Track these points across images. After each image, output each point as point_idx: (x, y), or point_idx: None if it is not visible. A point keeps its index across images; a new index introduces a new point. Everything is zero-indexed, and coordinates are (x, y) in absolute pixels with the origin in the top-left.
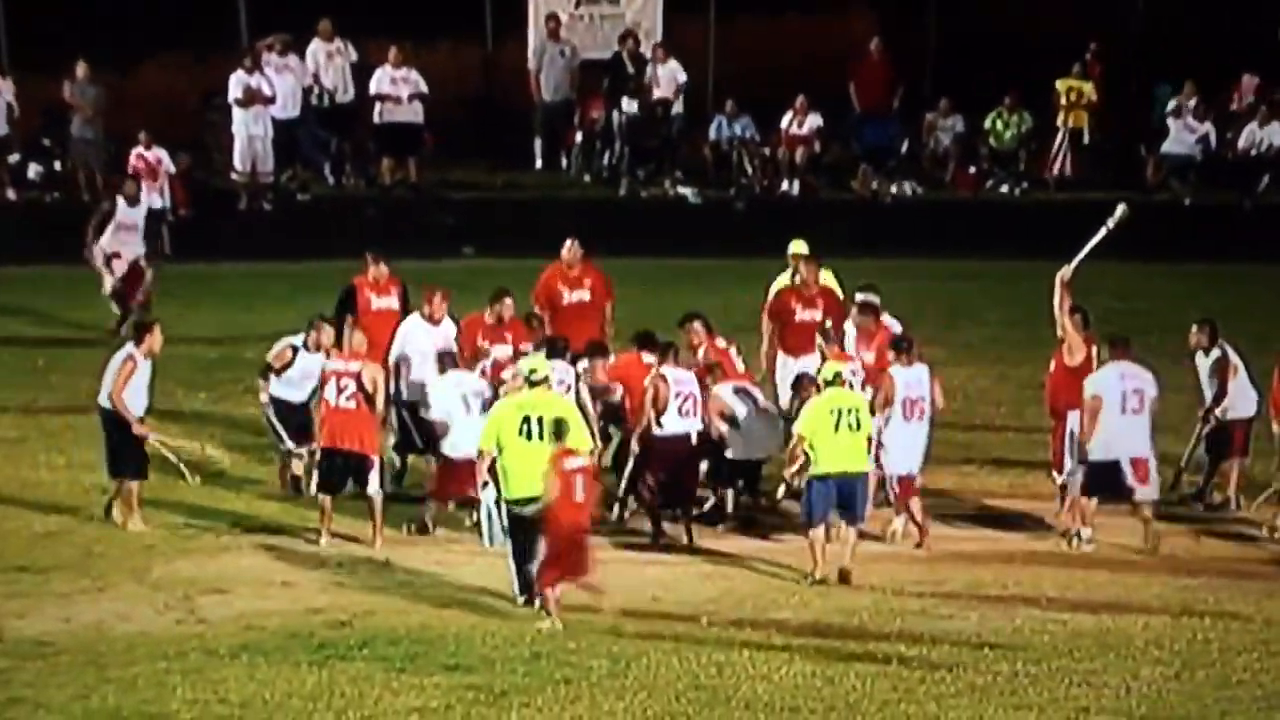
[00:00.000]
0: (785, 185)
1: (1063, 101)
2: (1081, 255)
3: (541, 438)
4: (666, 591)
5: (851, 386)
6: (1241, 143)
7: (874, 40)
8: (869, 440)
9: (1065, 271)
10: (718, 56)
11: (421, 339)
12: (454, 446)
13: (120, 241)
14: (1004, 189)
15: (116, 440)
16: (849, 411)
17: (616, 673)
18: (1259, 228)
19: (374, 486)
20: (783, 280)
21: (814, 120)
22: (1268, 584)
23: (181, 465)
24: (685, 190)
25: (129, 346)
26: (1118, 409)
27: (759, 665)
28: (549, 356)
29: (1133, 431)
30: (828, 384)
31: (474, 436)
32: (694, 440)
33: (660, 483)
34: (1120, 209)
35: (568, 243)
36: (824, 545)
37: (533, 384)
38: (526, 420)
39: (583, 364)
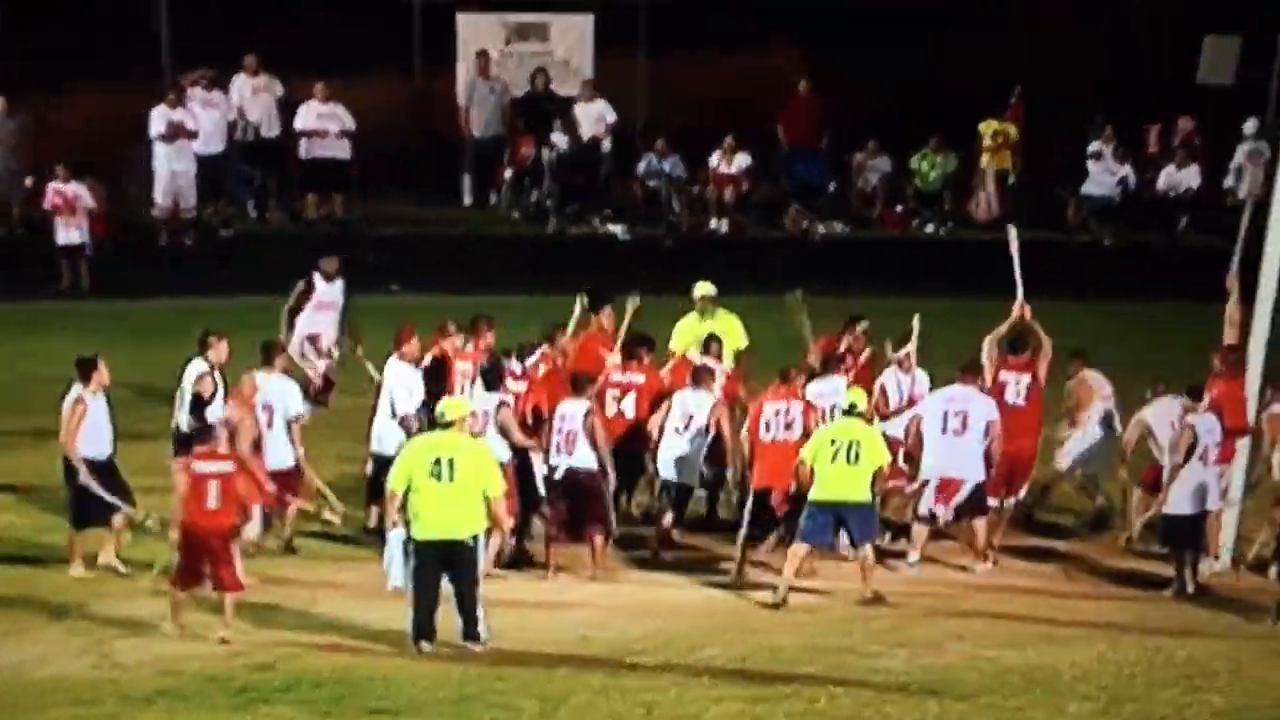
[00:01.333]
0: (714, 223)
1: (986, 143)
2: (1020, 287)
3: (451, 479)
4: (596, 631)
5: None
6: (1160, 184)
7: (802, 79)
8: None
9: (1025, 309)
10: (648, 94)
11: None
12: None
13: (318, 322)
14: (929, 228)
15: (76, 488)
16: (850, 444)
17: (546, 713)
18: (1178, 267)
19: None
20: (689, 321)
21: (743, 159)
22: (1190, 619)
23: (131, 512)
24: (614, 228)
25: (76, 387)
26: (938, 429)
27: (687, 705)
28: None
29: (950, 452)
30: (845, 414)
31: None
32: (591, 471)
33: (558, 515)
34: (1011, 231)
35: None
36: (800, 564)
37: (444, 425)
38: (437, 462)
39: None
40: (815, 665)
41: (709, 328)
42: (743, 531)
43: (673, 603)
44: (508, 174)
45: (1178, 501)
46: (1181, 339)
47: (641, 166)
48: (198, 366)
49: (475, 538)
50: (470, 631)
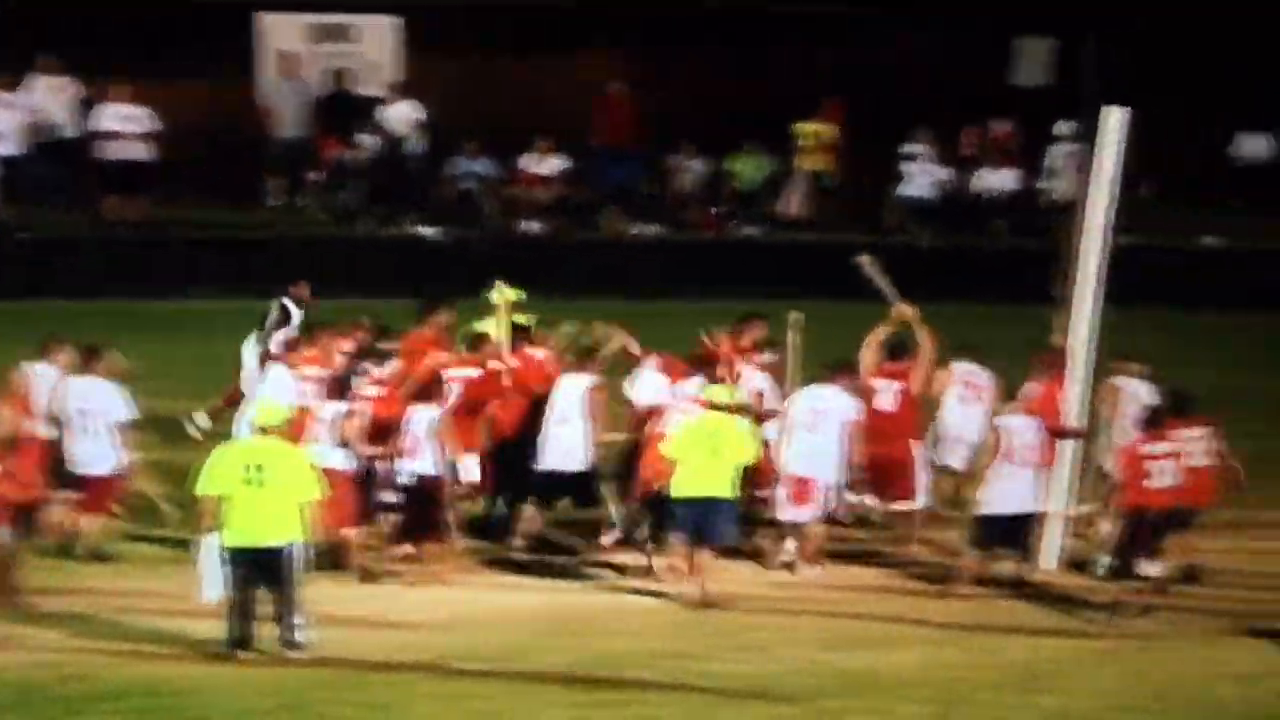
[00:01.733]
0: (526, 225)
1: (801, 144)
2: (892, 295)
3: (264, 485)
4: (421, 638)
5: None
6: (976, 186)
7: (614, 80)
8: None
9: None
10: (459, 94)
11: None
12: None
13: None
14: (748, 230)
15: None
16: (714, 440)
17: None
18: (996, 269)
19: None
20: (488, 325)
21: (556, 161)
22: (1019, 620)
23: None
24: (426, 229)
25: None
26: (797, 427)
27: (517, 712)
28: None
29: (807, 451)
30: (711, 409)
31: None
32: (434, 477)
33: (403, 520)
34: (864, 260)
35: None
36: (684, 557)
37: (262, 431)
38: (250, 468)
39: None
40: (647, 670)
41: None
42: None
43: (503, 609)
44: (315, 176)
45: (990, 503)
46: (1000, 340)
47: (453, 168)
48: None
49: (292, 545)
50: (289, 640)
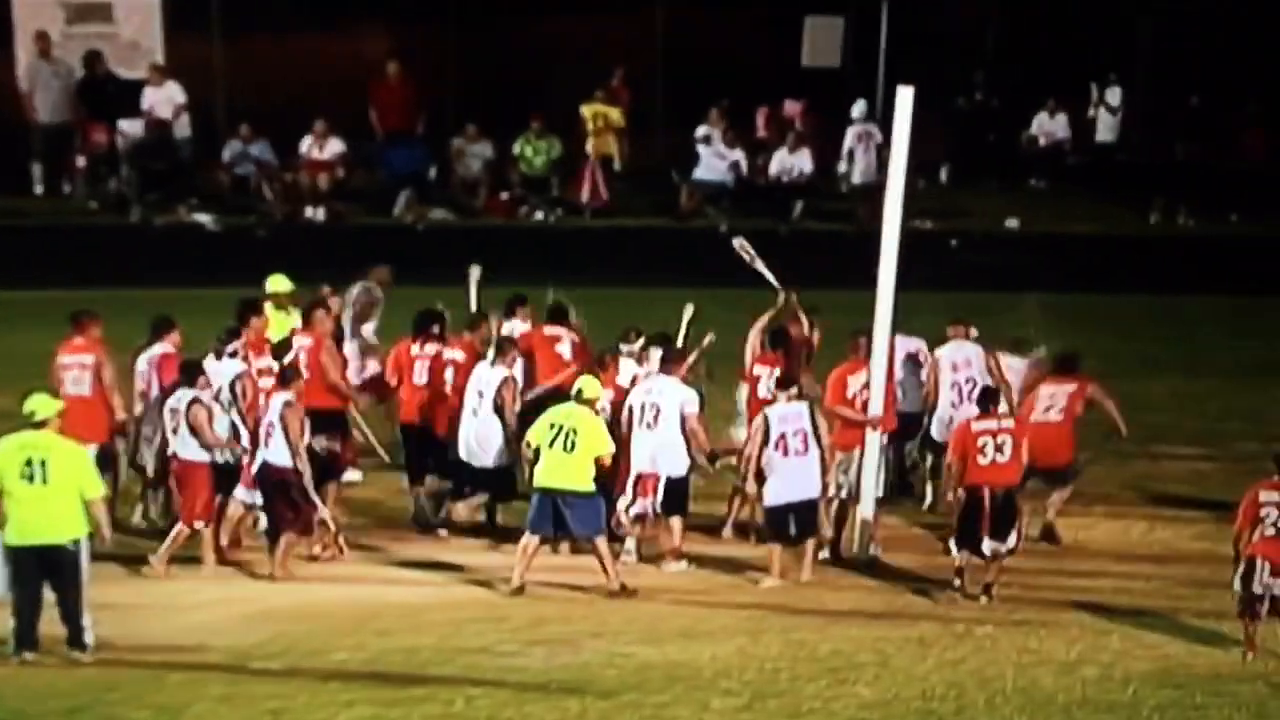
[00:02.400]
0: (310, 212)
1: (589, 127)
2: (773, 279)
3: (45, 481)
4: (215, 636)
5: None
6: (773, 169)
7: (391, 62)
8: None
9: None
10: (230, 77)
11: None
12: None
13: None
14: (538, 215)
15: None
16: (569, 431)
17: None
18: (794, 253)
19: None
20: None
21: (336, 145)
22: (833, 614)
23: None
24: (202, 217)
25: None
26: (637, 423)
27: (316, 711)
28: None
29: (643, 445)
30: (574, 400)
31: None
32: (282, 468)
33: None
34: (737, 242)
35: None
36: (526, 554)
37: (35, 425)
38: (29, 463)
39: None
40: (451, 666)
41: (290, 322)
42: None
43: (300, 604)
44: (81, 162)
45: (769, 495)
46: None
47: (227, 153)
48: None
49: (76, 541)
50: (75, 639)
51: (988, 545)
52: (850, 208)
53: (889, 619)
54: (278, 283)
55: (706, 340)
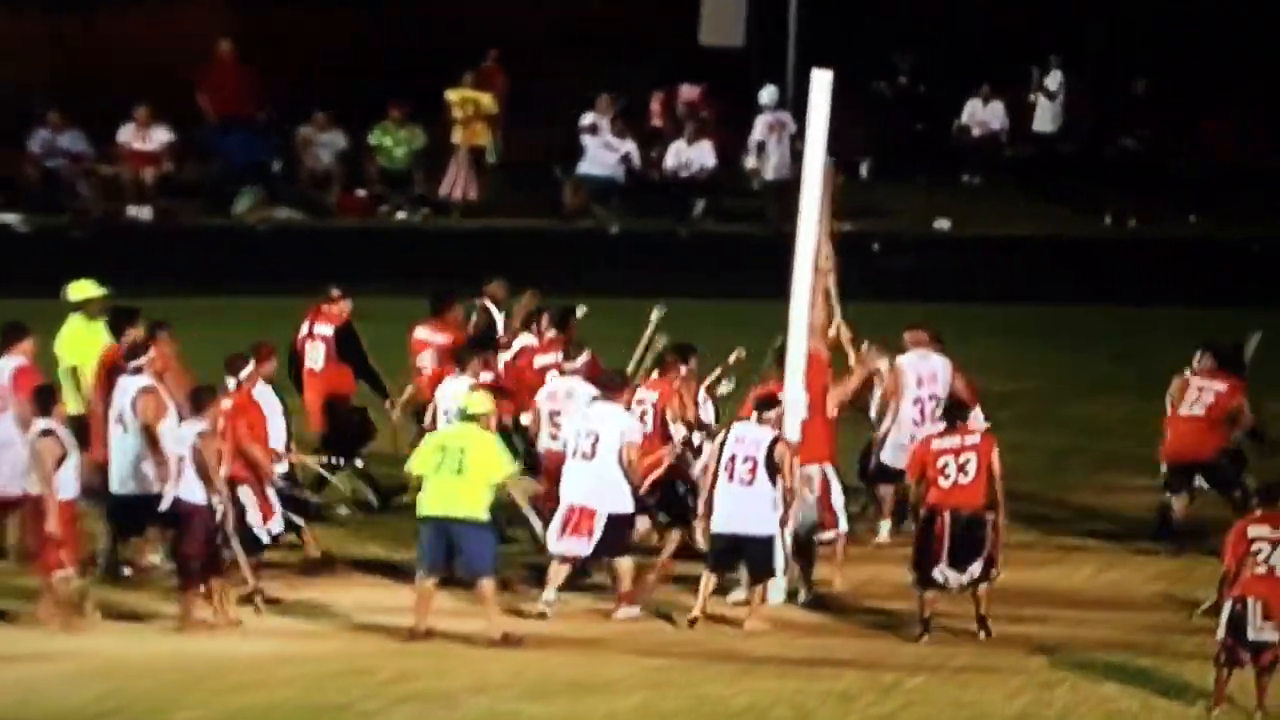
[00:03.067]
0: (133, 210)
1: (456, 115)
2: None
3: None
4: (32, 694)
5: None
6: (669, 162)
7: (224, 40)
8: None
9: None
10: (38, 59)
11: None
12: None
13: None
14: (400, 215)
15: None
16: (458, 453)
17: None
18: (694, 258)
19: None
20: (76, 327)
21: (162, 133)
22: (746, 662)
23: None
24: (8, 217)
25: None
26: (572, 453)
27: None
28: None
29: (578, 478)
30: (461, 418)
31: None
32: (193, 505)
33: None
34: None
35: None
36: (427, 597)
37: None
38: None
39: None
40: None
41: (99, 334)
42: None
43: (138, 657)
44: None
45: (715, 520)
46: (703, 339)
47: (35, 143)
48: None
49: None
50: None
51: (940, 572)
52: (759, 207)
53: (809, 668)
54: (83, 289)
55: (734, 356)
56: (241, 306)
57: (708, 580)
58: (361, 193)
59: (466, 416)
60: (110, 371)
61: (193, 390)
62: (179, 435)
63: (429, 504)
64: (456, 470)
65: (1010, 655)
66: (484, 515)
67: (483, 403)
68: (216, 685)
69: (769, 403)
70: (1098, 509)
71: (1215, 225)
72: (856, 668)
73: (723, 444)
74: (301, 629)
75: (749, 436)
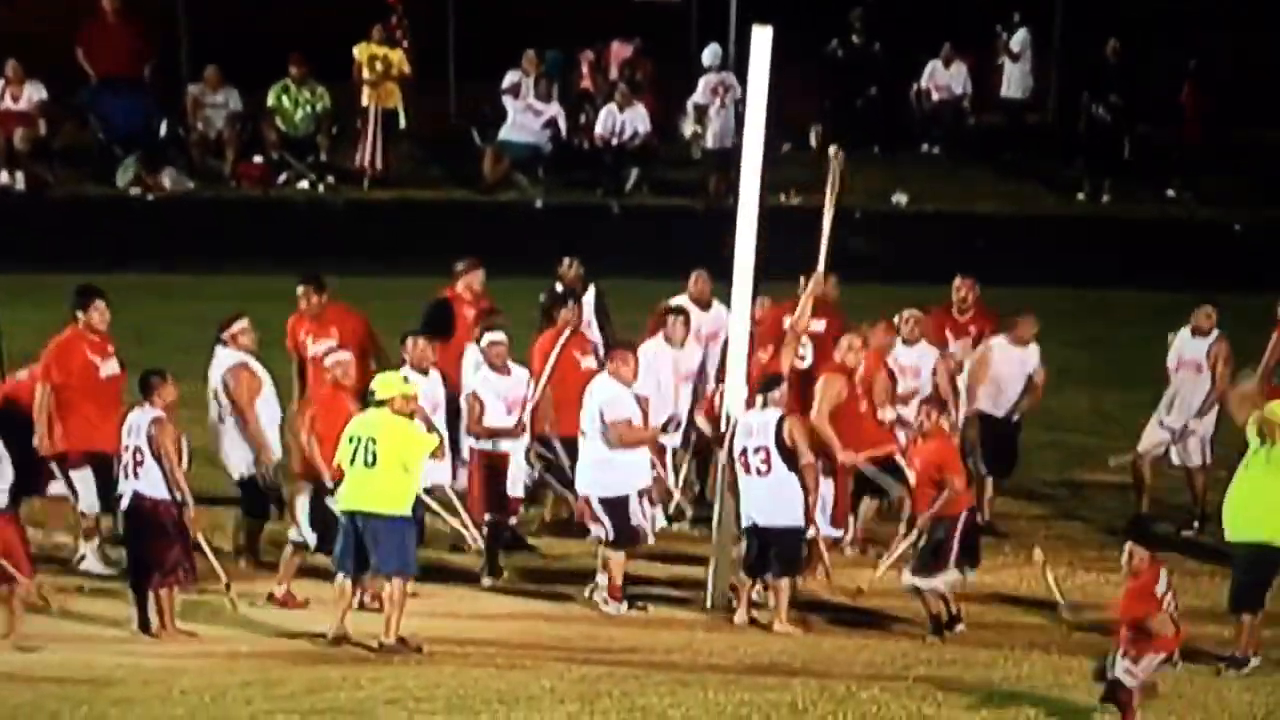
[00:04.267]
0: (3, 177)
1: (366, 74)
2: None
3: None
4: None
5: None
6: (599, 129)
7: None
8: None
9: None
10: None
11: None
12: None
13: None
14: (303, 184)
15: None
16: (367, 442)
17: None
18: (627, 233)
19: None
20: None
21: (35, 92)
22: (686, 671)
23: None
24: None
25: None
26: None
27: None
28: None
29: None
30: (373, 404)
31: None
32: (158, 500)
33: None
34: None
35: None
36: (345, 598)
37: None
38: None
39: None
40: None
41: None
42: None
43: (22, 666)
44: None
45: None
46: (635, 323)
47: None
48: None
49: None
50: None
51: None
52: (699, 177)
53: (755, 676)
54: None
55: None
56: (125, 284)
57: (747, 585)
58: (258, 160)
59: (375, 402)
60: None
61: (142, 376)
62: (136, 422)
63: (344, 498)
64: (367, 463)
65: (971, 667)
66: (400, 509)
67: (391, 385)
68: (107, 697)
69: (771, 383)
70: (1067, 507)
71: (1195, 200)
72: (807, 675)
73: (732, 439)
74: (214, 635)
75: (755, 424)
